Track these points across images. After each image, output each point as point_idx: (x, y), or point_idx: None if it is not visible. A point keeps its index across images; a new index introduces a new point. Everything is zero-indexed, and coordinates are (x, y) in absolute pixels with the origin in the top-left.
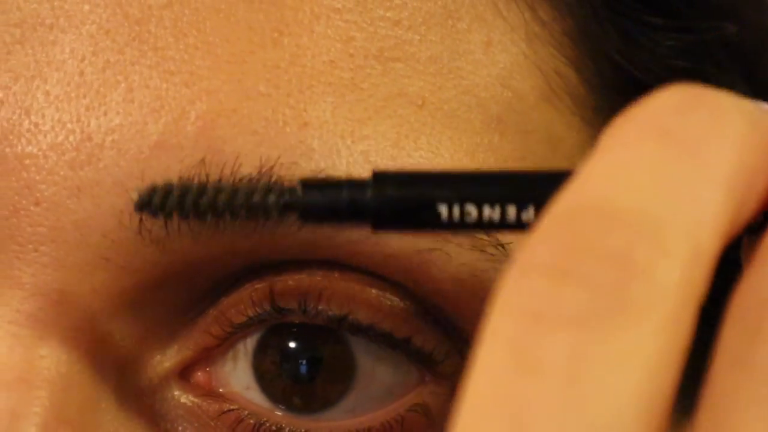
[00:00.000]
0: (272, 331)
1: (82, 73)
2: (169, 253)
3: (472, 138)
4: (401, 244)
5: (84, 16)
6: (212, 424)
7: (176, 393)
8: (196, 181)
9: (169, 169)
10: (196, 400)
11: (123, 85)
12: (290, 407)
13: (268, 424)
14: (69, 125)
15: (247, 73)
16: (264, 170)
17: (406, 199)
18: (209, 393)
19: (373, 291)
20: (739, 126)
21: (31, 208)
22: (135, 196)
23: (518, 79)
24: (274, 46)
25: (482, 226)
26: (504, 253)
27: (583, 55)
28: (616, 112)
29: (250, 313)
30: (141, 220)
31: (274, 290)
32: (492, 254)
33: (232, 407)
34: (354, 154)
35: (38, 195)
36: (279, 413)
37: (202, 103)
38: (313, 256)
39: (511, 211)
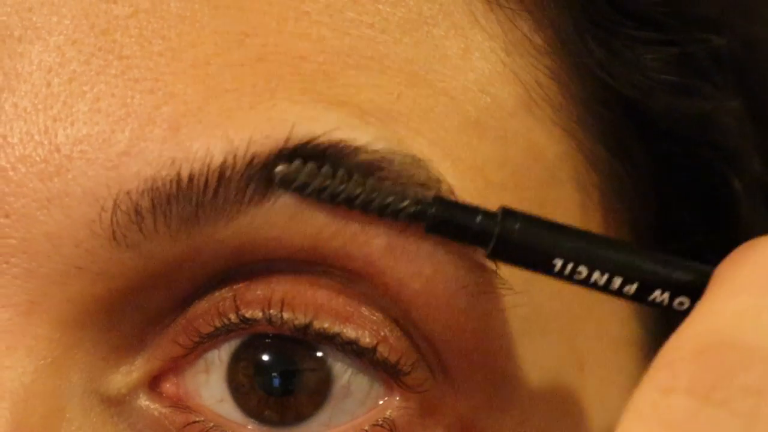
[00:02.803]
0: (246, 344)
1: (49, 85)
2: (146, 256)
3: (451, 135)
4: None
5: (51, 28)
6: None
7: (145, 403)
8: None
9: (139, 174)
10: (164, 410)
11: (89, 95)
12: (264, 420)
13: None
14: (37, 137)
15: (211, 75)
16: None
17: (527, 242)
18: (178, 404)
19: (341, 299)
20: None
21: (1, 220)
22: (280, 170)
23: (497, 86)
24: (239, 47)
25: (587, 285)
26: (474, 249)
27: (564, 66)
28: (600, 125)
29: (217, 323)
30: (114, 227)
31: (238, 300)
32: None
33: (197, 419)
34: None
35: (7, 207)
36: (250, 427)
37: (167, 106)
38: (285, 248)
39: (617, 281)
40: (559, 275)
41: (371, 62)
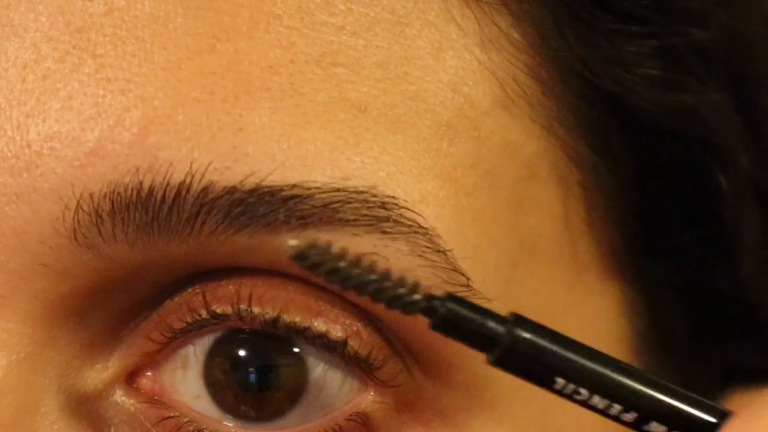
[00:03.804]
0: (222, 339)
1: (23, 81)
2: (105, 258)
3: (419, 143)
4: (339, 247)
5: (28, 24)
6: (153, 430)
7: (121, 399)
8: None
9: (104, 176)
10: (139, 405)
11: (62, 92)
12: (241, 416)
13: (204, 431)
14: (9, 132)
15: (182, 80)
16: (196, 175)
17: (533, 356)
18: (153, 399)
19: (312, 294)
20: None
21: None
22: (294, 244)
23: (471, 85)
24: (211, 53)
25: (586, 406)
26: (444, 260)
27: (543, 62)
28: (582, 121)
29: (189, 318)
30: (75, 226)
31: (208, 295)
32: (433, 261)
33: (172, 414)
34: (290, 158)
35: None
36: (227, 423)
37: (137, 110)
38: (249, 263)
39: (615, 408)
40: (559, 393)
41: (341, 70)
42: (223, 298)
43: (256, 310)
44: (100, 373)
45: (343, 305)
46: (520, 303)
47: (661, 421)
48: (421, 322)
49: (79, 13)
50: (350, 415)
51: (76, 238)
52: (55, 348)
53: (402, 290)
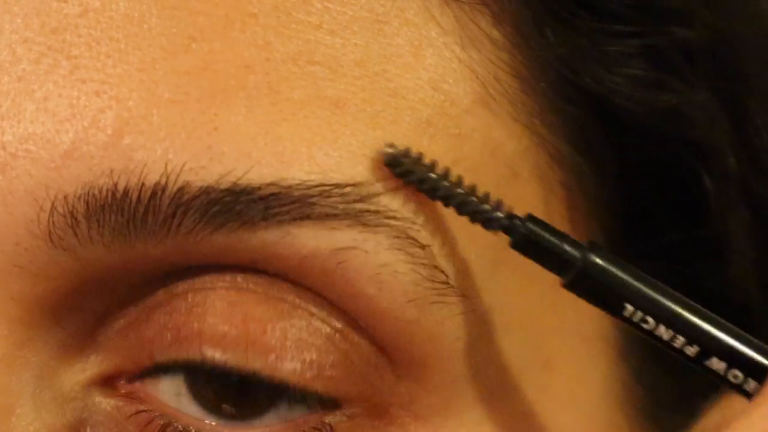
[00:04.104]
0: None
1: None
2: (82, 260)
3: (399, 140)
4: (317, 244)
5: (3, 26)
6: (125, 424)
7: (98, 399)
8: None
9: (79, 178)
10: (116, 403)
11: (38, 94)
12: (221, 414)
13: (175, 425)
14: None
15: (157, 81)
16: (171, 176)
17: (605, 281)
18: (132, 397)
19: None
20: None
21: None
22: (389, 151)
23: (451, 83)
24: (186, 53)
25: (649, 336)
26: (424, 255)
27: (525, 61)
28: (564, 120)
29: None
30: (50, 228)
31: (155, 347)
32: (412, 255)
33: (145, 408)
34: (267, 156)
35: None
36: (208, 421)
37: (111, 111)
38: (230, 261)
39: (680, 341)
40: (626, 320)
41: (318, 68)
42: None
43: (209, 353)
44: (77, 375)
45: (320, 303)
46: (501, 301)
47: (721, 358)
48: (398, 322)
49: (55, 14)
50: (316, 425)
51: (51, 240)
52: (32, 349)
53: (486, 206)
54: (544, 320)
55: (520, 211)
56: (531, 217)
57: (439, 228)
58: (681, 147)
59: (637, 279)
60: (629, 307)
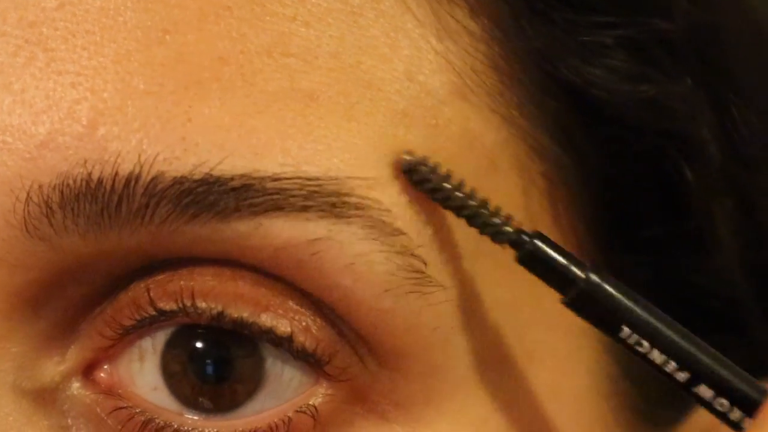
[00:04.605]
0: (180, 331)
1: None
2: (58, 250)
3: (374, 130)
4: (291, 235)
5: None
6: (107, 420)
7: (78, 391)
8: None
9: (54, 168)
10: (95, 397)
11: (15, 86)
12: (199, 408)
13: (157, 421)
14: None
15: (132, 73)
16: (144, 166)
17: (607, 302)
18: (110, 391)
19: (262, 290)
20: None
21: None
22: (407, 159)
23: (427, 74)
24: (160, 45)
25: (644, 358)
26: (400, 244)
27: (503, 53)
28: (543, 112)
29: (137, 315)
30: (26, 218)
31: (152, 292)
32: (388, 245)
33: (124, 405)
34: (240, 148)
35: None
36: (185, 415)
37: (87, 102)
38: (203, 253)
39: (671, 366)
40: (621, 341)
41: (292, 60)
42: (169, 295)
43: (201, 305)
44: (57, 366)
45: (295, 298)
46: (481, 292)
47: (710, 386)
48: (374, 312)
49: (32, 8)
50: (300, 407)
51: (27, 230)
52: (11, 340)
53: (496, 220)
54: (526, 312)
55: (500, 205)
56: (539, 234)
57: (417, 218)
58: (662, 138)
59: (636, 303)
60: (626, 330)
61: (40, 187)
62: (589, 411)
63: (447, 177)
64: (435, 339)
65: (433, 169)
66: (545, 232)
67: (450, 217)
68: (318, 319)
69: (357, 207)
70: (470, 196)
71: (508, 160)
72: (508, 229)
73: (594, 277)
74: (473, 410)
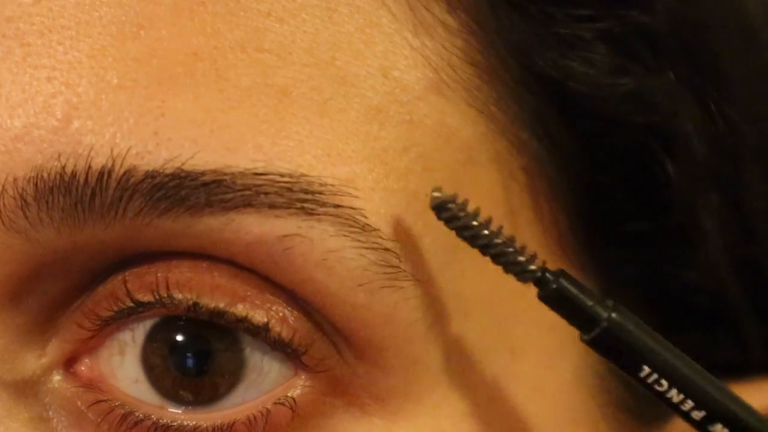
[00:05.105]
0: (160, 324)
1: None
2: (34, 243)
3: (348, 127)
4: (262, 230)
5: None
6: (87, 413)
7: (59, 384)
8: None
9: (29, 162)
10: (76, 390)
11: None
12: (180, 401)
13: (136, 414)
14: None
15: (106, 67)
16: (117, 160)
17: (629, 341)
18: (90, 384)
19: (238, 281)
20: None
21: None
22: (436, 195)
23: (402, 69)
24: (134, 40)
25: (662, 397)
26: (372, 240)
27: (480, 48)
28: (521, 106)
29: (114, 307)
30: (2, 210)
31: (129, 283)
32: (360, 240)
33: (104, 398)
34: (212, 143)
35: None
36: (166, 408)
37: (62, 96)
38: (177, 247)
39: (688, 405)
40: (640, 380)
41: (266, 55)
42: (146, 286)
43: (178, 296)
44: (38, 359)
45: (271, 289)
46: (461, 288)
47: (725, 425)
48: (348, 306)
49: (9, 3)
50: (278, 399)
51: (3, 223)
52: None
53: (521, 258)
54: (507, 307)
55: (478, 199)
56: (563, 273)
57: (390, 214)
58: (644, 133)
59: (656, 343)
60: (646, 369)
61: (15, 179)
62: (573, 406)
63: (475, 215)
64: (413, 333)
65: (462, 207)
66: (526, 227)
67: (425, 213)
68: (294, 311)
69: (328, 204)
70: (497, 234)
71: (486, 155)
72: (533, 267)
73: (617, 318)
74: (453, 404)
